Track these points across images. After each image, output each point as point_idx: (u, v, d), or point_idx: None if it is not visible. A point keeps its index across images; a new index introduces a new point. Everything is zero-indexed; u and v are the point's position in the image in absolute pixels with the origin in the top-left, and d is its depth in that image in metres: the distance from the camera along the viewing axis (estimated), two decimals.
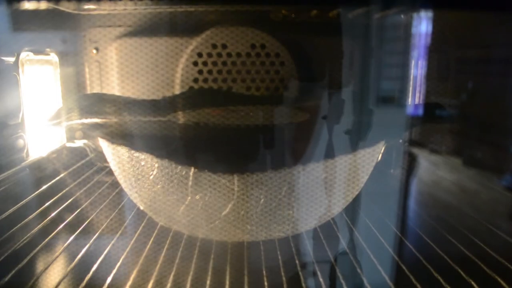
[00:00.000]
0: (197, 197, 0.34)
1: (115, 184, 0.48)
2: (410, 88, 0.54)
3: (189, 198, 0.34)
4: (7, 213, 0.40)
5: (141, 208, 0.39)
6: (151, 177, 0.34)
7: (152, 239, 0.41)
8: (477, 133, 0.51)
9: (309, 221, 0.36)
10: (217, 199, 0.33)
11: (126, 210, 0.46)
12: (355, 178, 0.35)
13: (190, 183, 0.33)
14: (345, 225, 0.43)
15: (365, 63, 0.57)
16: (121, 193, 0.49)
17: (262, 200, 0.33)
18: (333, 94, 0.46)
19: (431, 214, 0.47)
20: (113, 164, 0.38)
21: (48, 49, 0.57)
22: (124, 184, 0.38)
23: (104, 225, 0.43)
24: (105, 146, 0.37)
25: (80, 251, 0.37)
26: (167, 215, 0.37)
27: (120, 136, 0.35)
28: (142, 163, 0.34)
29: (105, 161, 0.40)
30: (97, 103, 0.40)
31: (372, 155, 0.35)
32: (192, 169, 0.33)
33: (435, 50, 0.55)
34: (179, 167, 0.33)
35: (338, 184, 0.34)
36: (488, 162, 0.49)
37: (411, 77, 0.54)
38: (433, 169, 0.55)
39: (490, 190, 0.47)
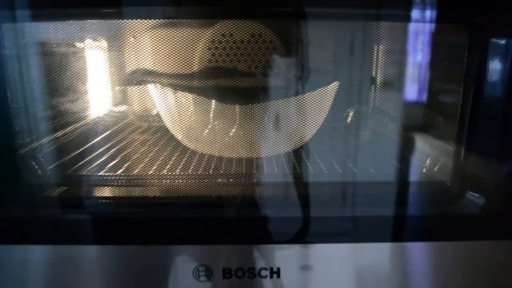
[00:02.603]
0: (216, 123, 0.55)
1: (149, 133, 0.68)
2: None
3: (210, 124, 0.55)
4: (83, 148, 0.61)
5: (179, 138, 0.60)
6: (188, 112, 0.55)
7: (182, 162, 0.62)
8: None
9: (284, 144, 0.57)
10: (226, 124, 0.55)
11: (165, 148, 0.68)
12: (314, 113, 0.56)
13: (211, 114, 0.54)
14: None
15: None
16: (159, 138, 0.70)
17: (254, 125, 0.54)
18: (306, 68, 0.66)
19: None
20: (160, 106, 0.59)
21: (100, 37, 0.79)
22: (168, 121, 0.60)
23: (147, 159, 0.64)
24: (155, 92, 0.58)
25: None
26: (195, 139, 0.58)
27: (169, 83, 0.56)
28: (183, 100, 0.55)
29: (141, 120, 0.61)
30: (149, 71, 0.61)
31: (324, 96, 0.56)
32: (213, 102, 0.54)
33: None
34: (205, 102, 0.54)
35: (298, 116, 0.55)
36: None
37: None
38: None
39: None
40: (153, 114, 0.74)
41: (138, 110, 0.78)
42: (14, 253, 0.43)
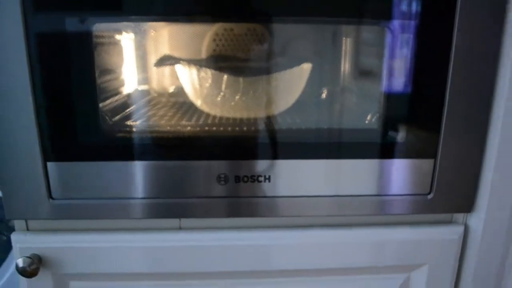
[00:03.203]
0: (226, 90, 0.79)
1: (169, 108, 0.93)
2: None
3: (222, 92, 0.79)
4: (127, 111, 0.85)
5: (198, 104, 0.85)
6: (207, 84, 0.79)
7: (200, 122, 0.86)
8: None
9: (274, 106, 0.82)
10: (233, 91, 0.79)
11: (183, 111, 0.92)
12: (292, 87, 0.81)
13: (224, 85, 0.79)
14: None
15: None
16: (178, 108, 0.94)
17: (252, 92, 0.79)
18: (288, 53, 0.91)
19: None
20: (185, 81, 0.83)
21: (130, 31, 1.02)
22: (191, 92, 0.84)
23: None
24: (181, 70, 0.82)
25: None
26: (211, 103, 0.82)
27: (191, 63, 0.81)
28: (203, 75, 0.79)
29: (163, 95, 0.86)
30: (174, 57, 0.85)
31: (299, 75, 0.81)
32: (225, 76, 0.78)
33: None
34: (219, 76, 0.78)
35: (284, 86, 0.80)
36: None
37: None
38: None
39: None
40: (173, 90, 1.00)
41: (159, 88, 1.03)
42: (91, 167, 0.68)
